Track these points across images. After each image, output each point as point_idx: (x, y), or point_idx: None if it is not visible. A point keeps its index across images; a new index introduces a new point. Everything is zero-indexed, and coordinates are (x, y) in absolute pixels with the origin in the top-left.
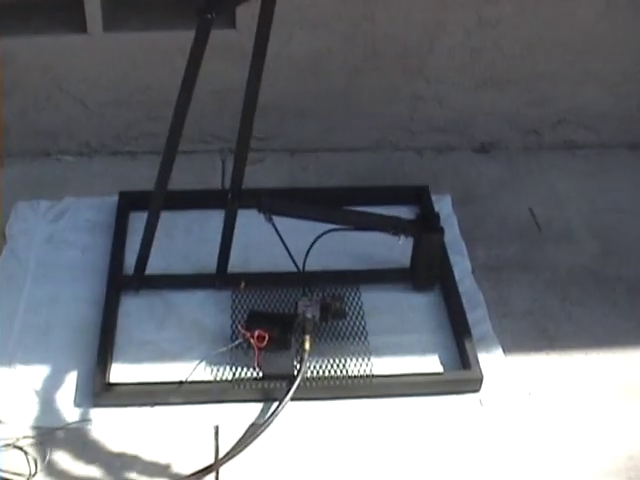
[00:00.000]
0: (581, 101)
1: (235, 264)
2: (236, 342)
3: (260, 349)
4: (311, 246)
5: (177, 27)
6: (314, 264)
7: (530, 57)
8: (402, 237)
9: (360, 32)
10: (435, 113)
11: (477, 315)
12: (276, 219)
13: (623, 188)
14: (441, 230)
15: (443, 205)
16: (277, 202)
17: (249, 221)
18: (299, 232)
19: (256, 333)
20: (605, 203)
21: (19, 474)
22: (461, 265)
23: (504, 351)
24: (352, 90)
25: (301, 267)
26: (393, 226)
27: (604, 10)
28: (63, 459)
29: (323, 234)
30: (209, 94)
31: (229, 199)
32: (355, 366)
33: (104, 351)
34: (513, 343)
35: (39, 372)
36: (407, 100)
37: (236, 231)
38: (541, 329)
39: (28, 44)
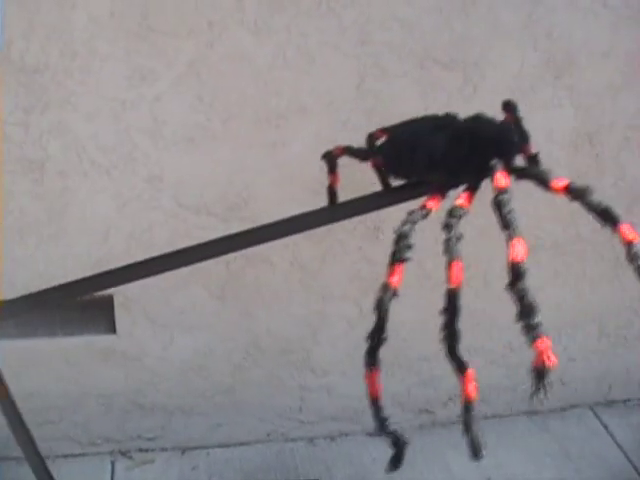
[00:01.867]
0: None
1: None
2: None
3: None
4: None
5: (57, 333)
6: None
7: (414, 339)
8: None
9: (241, 330)
10: (324, 402)
11: None
12: None
13: (520, 459)
14: None
15: None
16: None
17: None
18: None
19: None
20: (502, 479)
21: None
22: None
23: None
24: (237, 386)
25: None
26: None
27: (482, 288)
28: None
29: None
30: (95, 398)
31: None
32: None
33: None
34: None
35: None
36: (294, 392)
37: None
38: None
39: None
